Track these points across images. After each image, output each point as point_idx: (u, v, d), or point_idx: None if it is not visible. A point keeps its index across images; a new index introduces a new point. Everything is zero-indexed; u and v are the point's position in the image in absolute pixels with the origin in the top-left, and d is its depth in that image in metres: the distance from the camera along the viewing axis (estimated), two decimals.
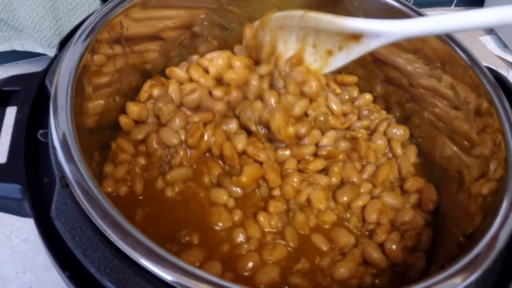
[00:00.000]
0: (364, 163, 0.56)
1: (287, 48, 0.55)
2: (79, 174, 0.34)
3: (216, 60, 0.57)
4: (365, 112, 0.60)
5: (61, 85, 0.39)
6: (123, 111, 0.54)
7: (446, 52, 0.52)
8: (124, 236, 0.31)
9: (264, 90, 0.54)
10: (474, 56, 0.51)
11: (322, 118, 0.56)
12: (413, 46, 0.56)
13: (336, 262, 0.47)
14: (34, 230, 0.36)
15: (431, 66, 0.55)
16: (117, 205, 0.34)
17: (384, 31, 0.48)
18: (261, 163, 0.51)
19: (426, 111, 0.57)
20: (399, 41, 0.50)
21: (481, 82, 0.49)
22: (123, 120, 0.53)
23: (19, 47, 0.75)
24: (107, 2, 0.48)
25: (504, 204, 0.40)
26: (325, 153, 0.54)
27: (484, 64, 0.51)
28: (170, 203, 0.49)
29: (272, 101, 0.53)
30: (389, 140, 0.58)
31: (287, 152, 0.54)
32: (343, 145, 0.56)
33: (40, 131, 0.42)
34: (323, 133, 0.56)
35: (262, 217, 0.49)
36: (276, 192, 0.51)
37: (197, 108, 0.55)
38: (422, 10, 0.55)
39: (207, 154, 0.53)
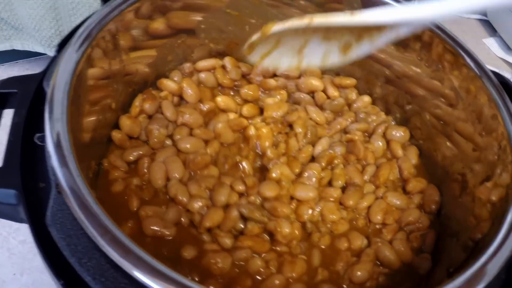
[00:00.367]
0: (364, 164, 0.55)
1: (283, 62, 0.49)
2: (72, 180, 0.34)
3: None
4: (362, 115, 0.60)
5: (58, 88, 0.39)
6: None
7: (449, 54, 0.52)
8: (117, 247, 0.31)
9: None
10: (477, 58, 0.50)
11: (309, 133, 0.56)
12: (415, 47, 0.55)
13: (352, 265, 0.47)
14: None
15: (433, 68, 0.54)
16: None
17: (414, 18, 0.41)
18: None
19: (427, 113, 0.57)
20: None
21: (484, 85, 0.48)
22: (116, 136, 0.51)
23: (19, 47, 0.74)
24: (107, 3, 0.48)
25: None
26: (323, 159, 0.54)
27: (488, 66, 0.50)
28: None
29: None
30: (388, 142, 0.58)
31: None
32: (339, 149, 0.55)
33: (37, 135, 0.41)
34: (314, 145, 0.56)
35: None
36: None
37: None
38: None
39: None
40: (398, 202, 0.52)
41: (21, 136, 0.40)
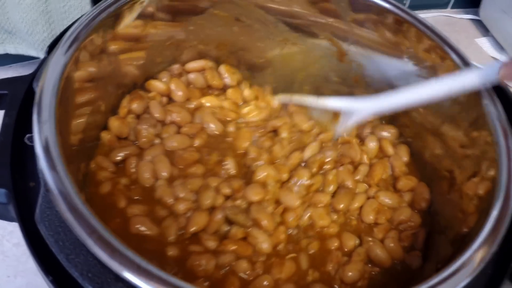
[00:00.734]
0: (355, 165, 0.56)
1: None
2: (61, 182, 0.34)
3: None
4: None
5: (46, 91, 0.39)
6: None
7: (436, 51, 0.52)
8: (106, 246, 0.31)
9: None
10: (464, 55, 0.51)
11: (295, 139, 0.56)
12: (402, 46, 0.55)
13: (343, 265, 0.47)
14: None
15: (420, 66, 0.54)
16: None
17: (355, 109, 0.54)
18: None
19: (414, 111, 0.57)
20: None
21: None
22: (105, 137, 0.52)
23: (12, 51, 0.75)
24: (96, 5, 0.48)
25: (497, 206, 0.40)
26: (314, 164, 0.54)
27: (480, 66, 0.51)
28: None
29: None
30: (379, 141, 0.58)
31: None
32: (329, 153, 0.55)
33: (27, 135, 0.41)
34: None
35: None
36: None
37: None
38: (415, 12, 0.54)
39: None
40: (389, 201, 0.53)
41: (12, 136, 0.41)
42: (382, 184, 0.55)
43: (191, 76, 0.60)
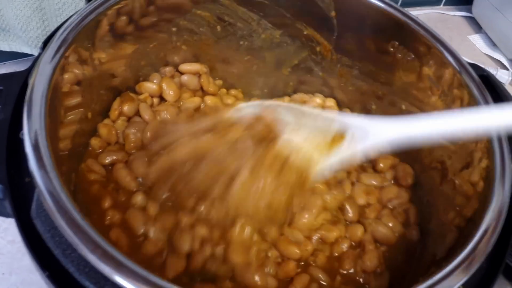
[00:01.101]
0: None
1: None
2: (50, 183, 0.34)
3: None
4: None
5: (37, 86, 0.39)
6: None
7: (425, 45, 0.52)
8: (97, 250, 0.31)
9: None
10: (457, 53, 0.51)
11: None
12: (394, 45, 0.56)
13: (358, 257, 0.49)
14: None
15: (409, 59, 0.54)
16: None
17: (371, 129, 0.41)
18: None
19: (404, 102, 0.57)
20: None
21: (461, 76, 0.49)
22: (96, 144, 0.52)
23: (6, 48, 0.74)
24: (88, 4, 0.48)
25: (495, 199, 0.40)
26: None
27: (473, 62, 0.51)
28: None
29: None
30: None
31: None
32: None
33: (22, 131, 0.41)
34: None
35: None
36: None
37: None
38: (406, 9, 0.54)
39: None
40: (374, 182, 0.54)
41: (7, 132, 0.41)
42: (359, 169, 0.57)
43: (184, 77, 0.60)
